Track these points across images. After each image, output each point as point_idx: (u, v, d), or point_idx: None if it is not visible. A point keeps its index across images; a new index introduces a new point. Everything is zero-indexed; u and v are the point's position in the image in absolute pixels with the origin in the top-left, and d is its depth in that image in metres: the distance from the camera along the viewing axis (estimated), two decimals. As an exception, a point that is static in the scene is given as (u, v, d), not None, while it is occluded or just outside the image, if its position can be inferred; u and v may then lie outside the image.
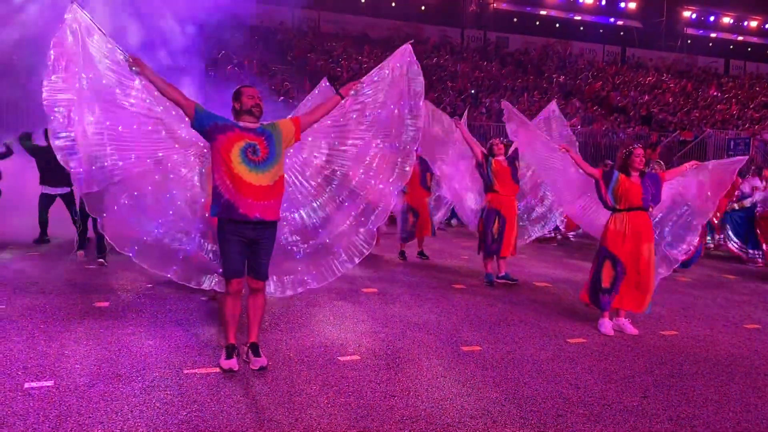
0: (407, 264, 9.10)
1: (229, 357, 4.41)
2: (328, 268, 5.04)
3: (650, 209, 5.79)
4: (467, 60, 27.32)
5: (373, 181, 5.05)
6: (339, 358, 4.78)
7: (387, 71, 4.99)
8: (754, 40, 37.79)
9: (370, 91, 4.96)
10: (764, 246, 10.26)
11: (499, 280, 7.66)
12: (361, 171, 5.05)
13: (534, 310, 6.51)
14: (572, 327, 5.89)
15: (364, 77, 4.98)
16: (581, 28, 34.15)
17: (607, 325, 5.73)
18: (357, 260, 5.10)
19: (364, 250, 5.10)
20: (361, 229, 5.08)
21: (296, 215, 5.05)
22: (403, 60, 5.02)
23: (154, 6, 10.18)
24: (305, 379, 4.31)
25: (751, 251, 10.54)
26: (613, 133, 22.00)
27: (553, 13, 34.35)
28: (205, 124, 4.30)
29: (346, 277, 7.70)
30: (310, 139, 4.97)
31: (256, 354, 4.46)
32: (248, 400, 3.94)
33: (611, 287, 5.72)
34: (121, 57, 4.41)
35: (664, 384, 4.52)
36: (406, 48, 5.05)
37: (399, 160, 5.07)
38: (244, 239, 4.34)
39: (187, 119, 4.43)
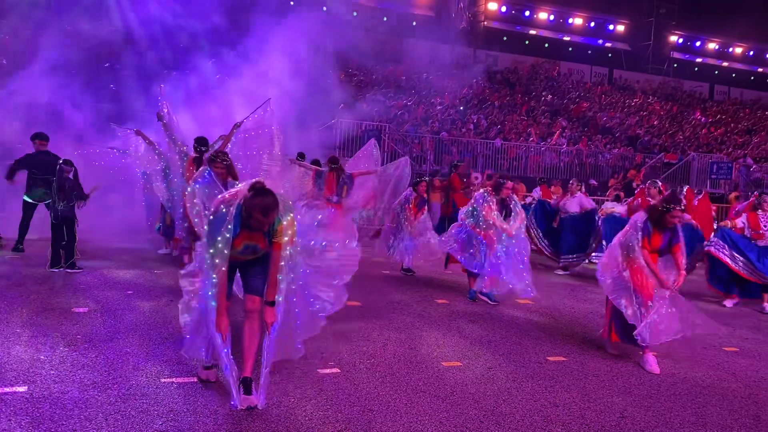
0: (391, 278, 9.08)
1: (207, 368, 4.37)
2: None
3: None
4: (456, 77, 27.51)
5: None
6: (318, 370, 4.76)
7: None
8: (739, 66, 38.41)
9: None
10: None
11: (482, 296, 7.67)
12: None
13: (515, 327, 6.51)
14: (553, 345, 5.91)
15: None
16: (570, 49, 34.53)
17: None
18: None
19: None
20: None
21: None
22: None
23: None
24: (283, 390, 4.28)
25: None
26: (598, 153, 22.24)
27: (543, 33, 34.72)
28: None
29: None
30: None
31: (248, 391, 3.98)
32: (225, 410, 3.90)
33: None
34: None
35: (642, 405, 4.53)
36: None
37: None
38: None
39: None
